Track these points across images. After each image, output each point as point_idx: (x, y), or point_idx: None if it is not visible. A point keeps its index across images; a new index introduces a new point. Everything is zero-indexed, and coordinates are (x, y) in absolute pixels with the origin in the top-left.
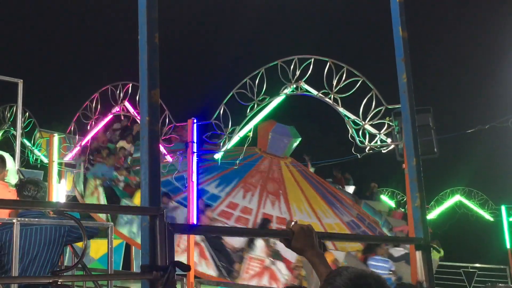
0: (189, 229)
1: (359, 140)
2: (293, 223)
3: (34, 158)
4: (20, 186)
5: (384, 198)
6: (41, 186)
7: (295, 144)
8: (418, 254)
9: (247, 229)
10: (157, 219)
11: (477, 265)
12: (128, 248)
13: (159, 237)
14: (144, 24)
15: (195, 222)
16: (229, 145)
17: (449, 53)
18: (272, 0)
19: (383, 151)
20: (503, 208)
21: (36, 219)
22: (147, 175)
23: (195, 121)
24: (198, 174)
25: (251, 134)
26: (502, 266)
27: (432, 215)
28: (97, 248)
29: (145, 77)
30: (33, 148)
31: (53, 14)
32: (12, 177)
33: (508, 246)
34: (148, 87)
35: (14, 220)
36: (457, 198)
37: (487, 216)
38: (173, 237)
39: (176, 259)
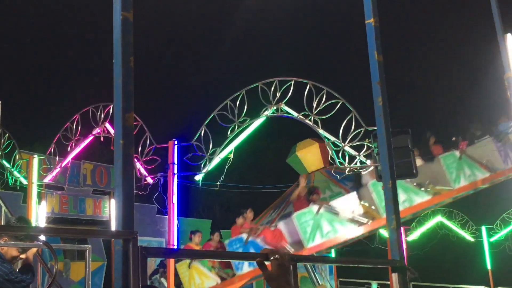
0: (162, 253)
1: (339, 161)
2: (275, 257)
3: (13, 180)
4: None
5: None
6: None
7: None
8: (394, 276)
9: (223, 252)
10: (130, 243)
11: (459, 285)
12: (109, 270)
13: (132, 261)
14: (119, 48)
15: (175, 244)
16: (210, 166)
17: (427, 73)
18: (253, 22)
19: (362, 173)
20: (483, 228)
21: None
22: (121, 198)
23: (176, 142)
24: (179, 196)
25: (231, 155)
26: (483, 287)
27: (413, 236)
28: (77, 271)
29: (119, 100)
30: (12, 169)
31: (33, 33)
32: None
33: (489, 266)
34: (122, 110)
35: None
36: (438, 219)
37: (468, 236)
38: (146, 261)
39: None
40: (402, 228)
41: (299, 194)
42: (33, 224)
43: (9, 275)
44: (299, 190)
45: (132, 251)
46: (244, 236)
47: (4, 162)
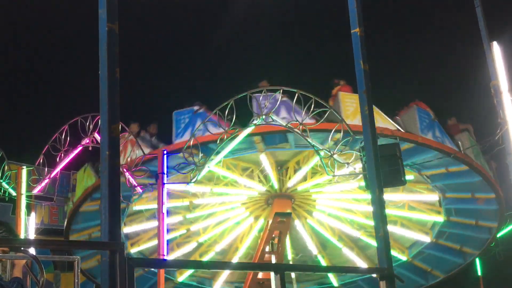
0: (149, 263)
1: (328, 169)
2: None
3: (2, 191)
4: None
5: None
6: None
7: None
8: (382, 284)
9: (214, 263)
10: (117, 253)
11: None
12: None
13: (119, 272)
14: (105, 59)
15: (165, 254)
16: (199, 176)
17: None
18: (240, 32)
19: (351, 181)
20: None
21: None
22: (107, 209)
23: (165, 152)
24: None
25: (221, 164)
26: None
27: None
28: (67, 282)
29: (105, 111)
30: (1, 180)
31: (21, 43)
32: None
33: (479, 273)
34: (108, 121)
35: None
36: None
37: None
38: (133, 271)
39: None
40: None
41: None
42: (20, 235)
43: None
44: None
45: (119, 262)
46: None
47: None
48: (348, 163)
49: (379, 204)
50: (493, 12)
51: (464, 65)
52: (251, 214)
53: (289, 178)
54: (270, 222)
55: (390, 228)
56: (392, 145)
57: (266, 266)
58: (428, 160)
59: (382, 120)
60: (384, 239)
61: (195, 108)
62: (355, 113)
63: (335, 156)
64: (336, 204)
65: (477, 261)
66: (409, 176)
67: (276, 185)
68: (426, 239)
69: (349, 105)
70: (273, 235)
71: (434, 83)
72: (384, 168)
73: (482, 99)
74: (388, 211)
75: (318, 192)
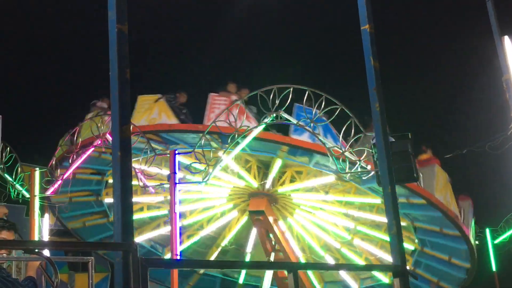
0: (163, 263)
1: (339, 167)
2: None
3: (15, 193)
4: None
5: None
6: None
7: None
8: (396, 282)
9: (225, 262)
10: (130, 254)
11: None
12: (113, 281)
13: (132, 273)
14: (115, 60)
15: (178, 253)
16: (211, 175)
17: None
18: (249, 30)
19: (363, 178)
20: (487, 231)
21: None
22: (120, 210)
23: (176, 152)
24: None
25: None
26: None
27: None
28: (82, 282)
29: (116, 112)
30: (14, 182)
31: (31, 45)
32: None
33: (494, 269)
34: (119, 122)
35: None
36: None
37: (472, 239)
38: (147, 271)
39: None
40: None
41: None
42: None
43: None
44: None
45: (132, 262)
46: None
47: (6, 176)
48: (359, 160)
49: (391, 201)
50: (504, 6)
51: (474, 60)
52: (235, 208)
53: (283, 182)
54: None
55: (372, 249)
56: (404, 141)
57: (279, 265)
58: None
59: None
60: (397, 236)
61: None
62: (445, 188)
63: (346, 153)
64: (316, 212)
65: (492, 257)
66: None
67: (255, 184)
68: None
69: (441, 179)
70: (269, 233)
71: (444, 79)
72: (396, 165)
73: (493, 94)
74: (370, 231)
75: (293, 194)
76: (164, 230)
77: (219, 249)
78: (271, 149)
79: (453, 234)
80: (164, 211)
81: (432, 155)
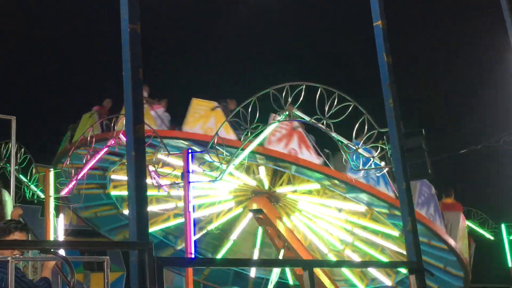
0: (178, 262)
1: (353, 164)
2: None
3: (30, 194)
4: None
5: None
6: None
7: None
8: (412, 278)
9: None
10: (146, 253)
11: (479, 285)
12: (129, 280)
13: (148, 272)
14: (128, 60)
15: (193, 252)
16: (225, 173)
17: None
18: (261, 28)
19: (377, 175)
20: (503, 226)
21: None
22: (135, 210)
23: (190, 151)
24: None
25: (245, 162)
26: (504, 286)
27: None
28: (97, 282)
29: (130, 112)
30: (29, 183)
31: (45, 49)
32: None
33: (510, 264)
34: (133, 122)
35: (9, 258)
36: None
37: (488, 235)
38: (162, 270)
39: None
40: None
41: None
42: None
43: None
44: None
45: (148, 261)
46: None
47: (21, 177)
48: (373, 157)
49: (406, 198)
50: None
51: (488, 57)
52: (239, 205)
53: (282, 182)
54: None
55: (372, 252)
56: (417, 137)
57: (295, 263)
58: None
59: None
60: (412, 233)
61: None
62: (463, 237)
63: (360, 150)
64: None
65: (507, 252)
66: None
67: (253, 183)
68: (387, 281)
69: (462, 229)
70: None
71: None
72: (410, 161)
73: (508, 90)
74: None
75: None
76: (174, 222)
77: (230, 242)
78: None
79: (439, 247)
80: (172, 204)
81: (455, 200)
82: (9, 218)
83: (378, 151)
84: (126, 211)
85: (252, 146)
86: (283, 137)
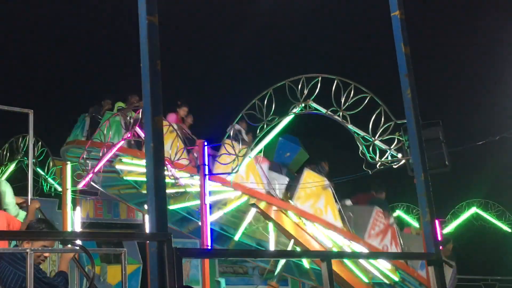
0: (197, 253)
1: (369, 156)
2: None
3: (48, 187)
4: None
5: (399, 212)
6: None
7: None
8: (431, 269)
9: (258, 252)
10: (165, 244)
11: (498, 277)
12: (145, 273)
13: (167, 262)
14: (146, 52)
15: (209, 245)
16: (241, 166)
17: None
18: (277, 20)
19: (394, 167)
20: None
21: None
22: (154, 201)
23: (205, 143)
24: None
25: (261, 155)
26: None
27: (449, 228)
28: (114, 275)
29: (148, 104)
30: (46, 176)
31: (62, 41)
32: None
33: None
34: (151, 113)
35: (28, 250)
36: (473, 210)
37: (505, 227)
38: (181, 262)
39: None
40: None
41: None
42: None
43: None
44: None
45: (167, 252)
46: None
47: (39, 170)
48: (390, 149)
49: (425, 189)
50: None
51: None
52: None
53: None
54: None
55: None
56: (435, 128)
57: (313, 254)
58: None
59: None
60: (431, 224)
61: None
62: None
63: (376, 142)
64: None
65: None
66: None
67: None
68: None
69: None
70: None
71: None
72: (427, 152)
73: None
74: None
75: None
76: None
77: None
78: None
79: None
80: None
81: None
82: (8, 208)
83: (395, 142)
84: (145, 191)
85: (269, 138)
86: (380, 232)
